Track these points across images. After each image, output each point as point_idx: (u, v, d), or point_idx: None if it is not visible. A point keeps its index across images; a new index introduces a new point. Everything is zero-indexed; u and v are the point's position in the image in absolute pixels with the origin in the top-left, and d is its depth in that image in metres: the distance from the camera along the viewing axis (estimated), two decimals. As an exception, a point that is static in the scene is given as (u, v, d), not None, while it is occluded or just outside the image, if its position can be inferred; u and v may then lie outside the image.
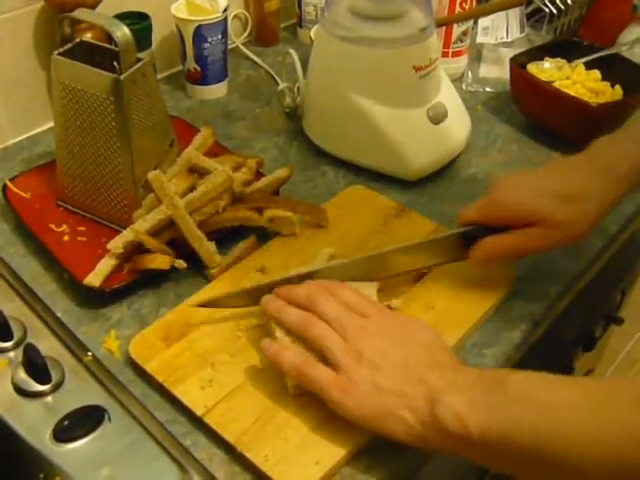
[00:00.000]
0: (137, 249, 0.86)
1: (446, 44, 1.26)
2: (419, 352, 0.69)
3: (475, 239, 0.83)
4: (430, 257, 0.85)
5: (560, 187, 0.80)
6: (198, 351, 0.78)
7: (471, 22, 1.27)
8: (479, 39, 1.32)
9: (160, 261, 0.84)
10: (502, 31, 1.32)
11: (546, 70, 1.19)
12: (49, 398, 0.75)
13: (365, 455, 0.70)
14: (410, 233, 0.93)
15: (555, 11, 1.37)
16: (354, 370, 0.67)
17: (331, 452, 0.69)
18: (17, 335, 0.80)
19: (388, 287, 0.84)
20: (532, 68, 1.19)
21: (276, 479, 0.67)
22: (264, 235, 0.93)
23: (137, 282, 0.86)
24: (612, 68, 1.18)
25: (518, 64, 1.18)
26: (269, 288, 0.80)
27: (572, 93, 1.12)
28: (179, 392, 0.74)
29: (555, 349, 1.10)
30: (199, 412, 0.72)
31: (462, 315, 0.83)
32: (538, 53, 1.22)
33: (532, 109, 1.18)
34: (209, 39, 1.18)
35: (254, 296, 0.80)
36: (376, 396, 0.66)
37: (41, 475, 0.68)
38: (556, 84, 1.15)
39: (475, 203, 0.84)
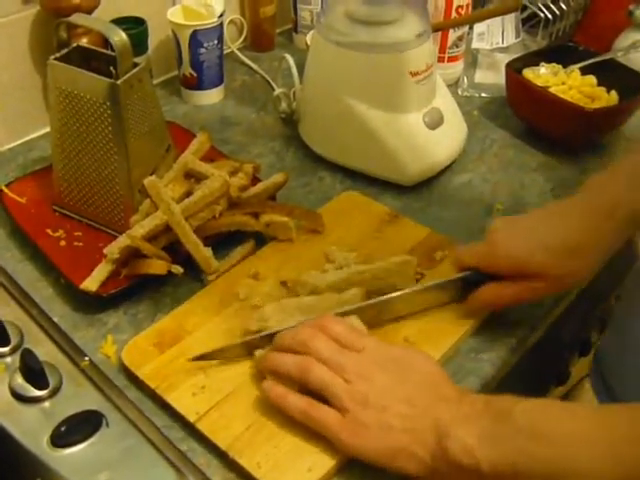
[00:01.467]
0: (134, 254, 0.86)
1: (442, 49, 1.27)
2: (422, 386, 0.68)
3: (472, 283, 0.83)
4: (429, 301, 0.85)
5: (558, 241, 0.79)
6: (191, 357, 0.78)
7: (467, 27, 1.28)
8: (475, 44, 1.32)
9: (157, 266, 0.84)
10: (498, 36, 1.32)
11: (542, 75, 1.19)
12: (46, 403, 0.74)
13: (358, 463, 0.69)
14: (403, 239, 0.93)
15: (550, 16, 1.37)
16: (361, 412, 0.67)
17: (324, 459, 0.69)
18: (14, 340, 0.80)
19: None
20: (528, 73, 1.19)
21: None
22: (260, 240, 0.93)
23: (134, 287, 0.86)
24: (608, 73, 1.18)
25: (514, 69, 1.18)
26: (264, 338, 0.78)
27: (568, 98, 1.13)
28: (171, 399, 0.73)
29: (551, 354, 1.10)
30: (191, 419, 0.72)
31: (455, 321, 0.83)
32: (534, 58, 1.22)
33: (528, 114, 1.19)
34: (205, 44, 1.19)
35: (250, 346, 0.78)
36: (385, 436, 0.66)
37: (38, 480, 0.68)
38: (552, 89, 1.15)
39: (473, 248, 0.85)
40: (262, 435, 0.70)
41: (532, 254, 0.79)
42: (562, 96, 1.13)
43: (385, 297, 0.82)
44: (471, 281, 0.83)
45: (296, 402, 0.70)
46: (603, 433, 0.59)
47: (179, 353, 0.78)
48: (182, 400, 0.73)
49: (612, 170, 0.84)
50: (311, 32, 1.23)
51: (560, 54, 1.23)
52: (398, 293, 0.82)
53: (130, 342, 0.79)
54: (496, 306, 0.84)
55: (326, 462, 0.68)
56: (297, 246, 0.92)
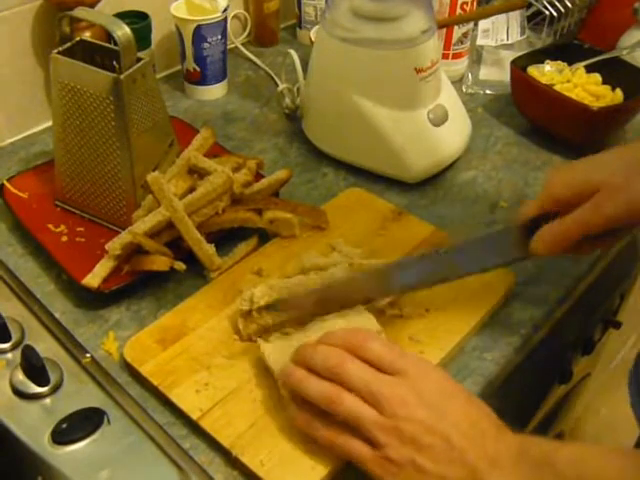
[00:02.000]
0: (136, 250, 0.85)
1: (446, 46, 1.26)
2: (463, 424, 0.64)
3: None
4: (489, 257, 0.79)
5: (615, 158, 0.74)
6: (194, 354, 0.77)
7: (471, 24, 1.27)
8: (479, 41, 1.32)
9: (159, 263, 0.84)
10: (502, 33, 1.31)
11: (547, 73, 1.19)
12: (47, 400, 0.74)
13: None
14: (408, 236, 0.93)
15: (555, 14, 1.37)
16: (395, 450, 0.63)
17: (327, 458, 0.68)
18: (15, 336, 0.79)
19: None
20: (533, 71, 1.18)
21: None
22: (263, 237, 0.93)
23: (136, 283, 0.86)
24: (613, 71, 1.17)
25: (519, 67, 1.18)
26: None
27: (573, 96, 1.12)
28: (174, 396, 0.73)
29: (554, 352, 1.10)
30: (194, 416, 0.71)
31: (459, 319, 0.83)
32: (539, 56, 1.22)
33: (532, 112, 1.18)
34: (208, 39, 1.18)
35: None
36: (416, 477, 0.62)
37: (39, 478, 0.68)
38: (557, 87, 1.14)
39: (534, 200, 0.79)
40: (265, 433, 0.70)
41: (589, 173, 0.73)
42: (567, 94, 1.12)
43: (437, 249, 0.78)
44: (532, 229, 0.76)
45: (324, 433, 0.67)
46: None
47: (182, 350, 0.77)
48: (185, 397, 0.73)
49: None
50: (315, 27, 1.22)
51: (565, 52, 1.22)
52: (450, 245, 0.78)
53: (132, 338, 0.79)
54: (562, 242, 0.74)
55: (330, 460, 0.68)
56: (301, 243, 0.92)
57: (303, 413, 0.68)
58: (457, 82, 1.29)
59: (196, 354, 0.77)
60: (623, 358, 1.99)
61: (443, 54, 1.26)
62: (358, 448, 0.65)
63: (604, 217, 0.71)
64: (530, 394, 1.11)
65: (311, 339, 0.73)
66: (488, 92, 1.29)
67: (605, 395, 2.04)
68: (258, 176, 0.97)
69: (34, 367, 0.74)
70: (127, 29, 0.84)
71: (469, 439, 0.63)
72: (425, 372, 0.67)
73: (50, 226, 0.93)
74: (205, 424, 0.71)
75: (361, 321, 0.76)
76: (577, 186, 0.74)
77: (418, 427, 0.63)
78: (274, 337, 0.77)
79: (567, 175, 0.76)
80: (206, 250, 0.86)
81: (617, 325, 1.33)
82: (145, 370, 0.75)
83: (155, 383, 0.74)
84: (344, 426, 0.65)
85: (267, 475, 0.66)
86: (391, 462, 0.63)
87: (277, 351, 0.74)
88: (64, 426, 0.71)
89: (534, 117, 1.18)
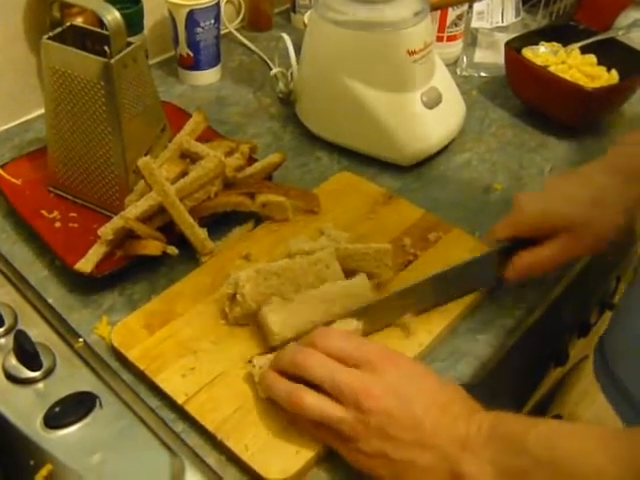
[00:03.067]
0: (129, 235, 0.85)
1: (441, 28, 1.26)
2: (432, 409, 0.63)
3: (507, 258, 0.83)
4: (462, 285, 0.84)
5: (581, 192, 0.81)
6: (181, 339, 0.77)
7: (466, 6, 1.26)
8: (474, 23, 1.31)
9: (152, 247, 0.84)
10: (497, 15, 1.31)
11: (541, 54, 1.18)
12: (40, 385, 0.74)
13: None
14: (397, 220, 0.93)
15: (551, -5, 1.36)
16: (363, 442, 0.63)
17: (311, 442, 0.68)
18: (8, 321, 0.79)
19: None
20: (527, 52, 1.18)
21: (256, 468, 0.66)
22: (257, 221, 0.92)
23: (129, 268, 0.86)
24: (608, 52, 1.17)
25: (513, 48, 1.17)
26: None
27: (567, 77, 1.12)
28: (160, 380, 0.73)
29: (550, 335, 1.10)
30: (180, 400, 0.71)
31: (449, 303, 0.83)
32: (533, 37, 1.21)
33: (527, 94, 1.18)
34: (202, 24, 1.17)
35: None
36: (390, 467, 0.62)
37: (32, 462, 0.68)
38: (551, 68, 1.14)
39: (503, 221, 0.84)
40: (250, 417, 0.70)
41: (557, 206, 0.80)
42: (561, 75, 1.12)
43: (411, 284, 0.79)
44: (505, 254, 0.83)
45: (305, 424, 0.68)
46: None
47: (169, 334, 0.78)
48: (171, 381, 0.73)
49: (629, 136, 0.87)
50: (309, 11, 1.22)
51: (560, 33, 1.22)
52: (423, 279, 0.80)
53: (119, 324, 0.79)
54: (534, 271, 0.83)
55: (314, 445, 0.68)
56: (290, 227, 0.92)
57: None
58: (452, 65, 1.29)
59: (183, 339, 0.77)
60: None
61: (437, 37, 1.25)
62: (333, 437, 0.65)
63: (572, 257, 0.83)
64: (526, 376, 1.11)
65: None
66: (483, 75, 1.28)
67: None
68: (251, 160, 0.97)
69: (27, 352, 0.74)
70: (117, 14, 0.83)
71: (439, 424, 0.62)
72: (389, 360, 0.66)
73: (43, 212, 0.93)
74: (190, 408, 0.71)
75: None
76: (544, 217, 0.81)
77: (384, 417, 0.62)
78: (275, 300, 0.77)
79: (536, 206, 0.82)
80: (198, 234, 0.86)
81: (613, 308, 1.32)
82: (132, 355, 0.75)
83: (141, 367, 0.74)
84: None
85: (251, 459, 0.67)
86: (362, 454, 0.63)
87: (276, 311, 0.75)
88: (56, 410, 0.71)
89: (529, 99, 1.18)
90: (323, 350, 0.67)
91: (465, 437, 0.61)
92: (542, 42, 1.20)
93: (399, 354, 0.69)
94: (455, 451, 0.61)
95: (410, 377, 0.66)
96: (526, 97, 1.18)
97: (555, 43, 1.20)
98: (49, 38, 0.87)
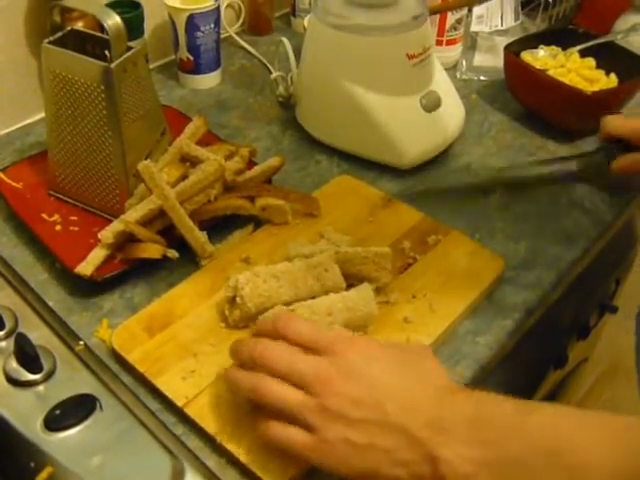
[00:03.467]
0: (129, 238, 0.85)
1: (440, 32, 1.26)
2: (399, 391, 0.60)
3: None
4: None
5: None
6: (181, 341, 0.77)
7: (465, 10, 1.27)
8: (473, 27, 1.31)
9: (152, 250, 0.84)
10: (497, 19, 1.31)
11: (540, 58, 1.18)
12: (40, 387, 0.74)
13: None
14: (397, 223, 0.93)
15: (550, -1, 1.36)
16: (324, 428, 0.60)
17: None
18: (8, 324, 0.80)
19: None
20: (526, 56, 1.18)
21: (256, 471, 0.66)
22: (257, 224, 0.93)
23: (129, 271, 0.86)
24: (607, 56, 1.17)
25: (512, 52, 1.17)
26: None
27: (566, 81, 1.12)
28: (160, 383, 0.73)
29: (549, 337, 1.10)
30: (180, 403, 0.71)
31: (448, 305, 0.83)
32: (533, 41, 1.21)
33: (526, 97, 1.18)
34: (202, 28, 1.18)
35: None
36: (354, 455, 0.59)
37: (32, 464, 0.68)
38: (550, 72, 1.14)
39: (625, 118, 0.87)
40: (251, 420, 0.69)
41: None
42: (560, 79, 1.12)
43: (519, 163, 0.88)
44: (611, 155, 0.87)
45: (260, 426, 0.64)
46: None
47: (169, 337, 0.78)
48: (171, 384, 0.73)
49: None
50: (309, 15, 1.22)
51: (559, 37, 1.22)
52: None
53: (120, 327, 0.79)
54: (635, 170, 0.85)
55: None
56: (290, 230, 0.92)
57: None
58: (451, 69, 1.29)
59: (183, 341, 0.77)
60: (622, 344, 1.99)
61: (437, 40, 1.26)
62: (293, 435, 0.62)
63: None
64: (525, 379, 1.11)
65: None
66: (482, 78, 1.29)
67: (607, 379, 2.05)
68: (251, 164, 0.97)
69: (27, 355, 0.74)
70: (117, 18, 0.84)
71: (405, 406, 0.59)
72: (351, 343, 0.64)
73: (44, 215, 0.93)
74: (191, 411, 0.71)
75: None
76: None
77: (345, 402, 0.59)
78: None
79: None
80: (198, 238, 0.86)
81: (613, 310, 1.33)
82: (132, 358, 0.75)
83: (141, 370, 0.74)
84: (280, 417, 0.63)
85: (251, 462, 0.66)
86: (324, 442, 0.60)
87: None
88: (57, 413, 0.71)
89: (528, 102, 1.18)
90: (283, 336, 0.65)
91: (440, 421, 0.57)
92: (541, 46, 1.21)
93: (361, 336, 0.68)
94: (428, 434, 0.57)
95: (372, 358, 0.63)
96: (525, 101, 1.19)
97: (554, 47, 1.21)
98: (49, 42, 0.87)
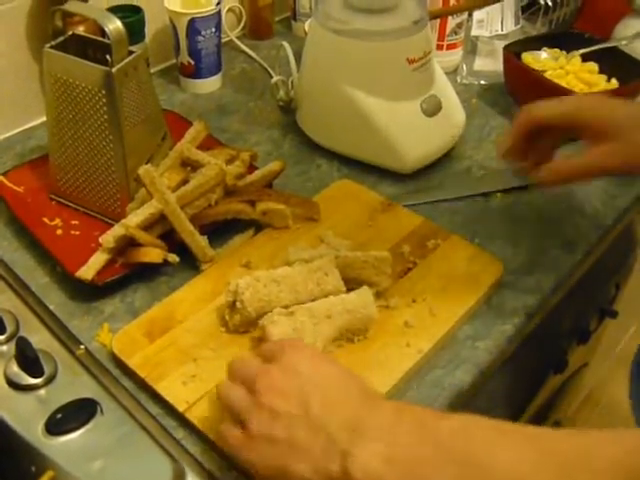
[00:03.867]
0: (130, 243, 0.85)
1: (440, 37, 1.26)
2: (328, 391, 0.61)
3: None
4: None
5: (619, 104, 0.81)
6: (181, 346, 0.78)
7: (466, 15, 1.27)
8: (474, 32, 1.31)
9: (153, 255, 0.84)
10: (497, 24, 1.31)
11: (542, 60, 1.19)
12: (42, 391, 0.74)
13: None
14: (397, 227, 0.93)
15: (550, 3, 1.36)
16: (254, 422, 0.61)
17: None
18: (9, 328, 0.80)
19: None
20: (527, 57, 1.19)
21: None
22: (257, 228, 0.93)
23: (130, 275, 0.86)
24: (610, 61, 1.17)
25: (513, 52, 1.18)
26: None
27: (563, 84, 1.12)
28: (161, 388, 0.73)
29: (549, 342, 1.10)
30: (181, 408, 0.71)
31: (447, 310, 0.83)
32: (535, 43, 1.22)
33: (524, 98, 1.17)
34: (203, 32, 1.18)
35: None
36: (269, 449, 0.60)
37: (33, 468, 0.68)
38: (548, 74, 1.14)
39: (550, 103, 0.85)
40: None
41: (615, 109, 0.80)
42: (557, 81, 1.12)
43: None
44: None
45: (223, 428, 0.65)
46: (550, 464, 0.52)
47: (169, 342, 0.78)
48: (172, 389, 0.73)
49: None
50: (309, 20, 1.22)
51: (563, 40, 1.23)
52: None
53: (120, 331, 0.79)
54: (570, 175, 0.84)
55: None
56: (290, 234, 0.92)
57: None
58: (451, 73, 1.29)
59: (183, 346, 0.77)
60: (623, 348, 1.99)
61: (437, 45, 1.26)
62: (230, 433, 0.63)
63: (605, 168, 0.82)
64: (525, 383, 1.12)
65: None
66: (483, 82, 1.29)
67: (606, 385, 2.05)
68: (252, 168, 0.98)
69: (28, 359, 0.74)
70: (118, 23, 0.84)
71: (328, 405, 0.60)
72: (290, 346, 0.66)
73: (45, 219, 0.93)
74: (192, 416, 0.71)
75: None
76: (602, 118, 0.80)
77: (276, 395, 0.61)
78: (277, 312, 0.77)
79: (593, 102, 0.83)
80: (199, 242, 0.86)
81: (613, 314, 1.33)
82: (132, 363, 0.76)
83: (142, 375, 0.74)
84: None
85: None
86: (251, 439, 0.61)
87: (277, 324, 0.75)
88: (58, 417, 0.71)
89: (524, 103, 1.18)
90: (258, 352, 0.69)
91: (358, 423, 0.58)
92: (545, 48, 1.21)
93: (302, 343, 0.70)
94: (345, 433, 0.57)
95: (309, 359, 0.64)
96: (523, 102, 1.18)
97: (557, 49, 1.21)
98: (51, 47, 0.88)
